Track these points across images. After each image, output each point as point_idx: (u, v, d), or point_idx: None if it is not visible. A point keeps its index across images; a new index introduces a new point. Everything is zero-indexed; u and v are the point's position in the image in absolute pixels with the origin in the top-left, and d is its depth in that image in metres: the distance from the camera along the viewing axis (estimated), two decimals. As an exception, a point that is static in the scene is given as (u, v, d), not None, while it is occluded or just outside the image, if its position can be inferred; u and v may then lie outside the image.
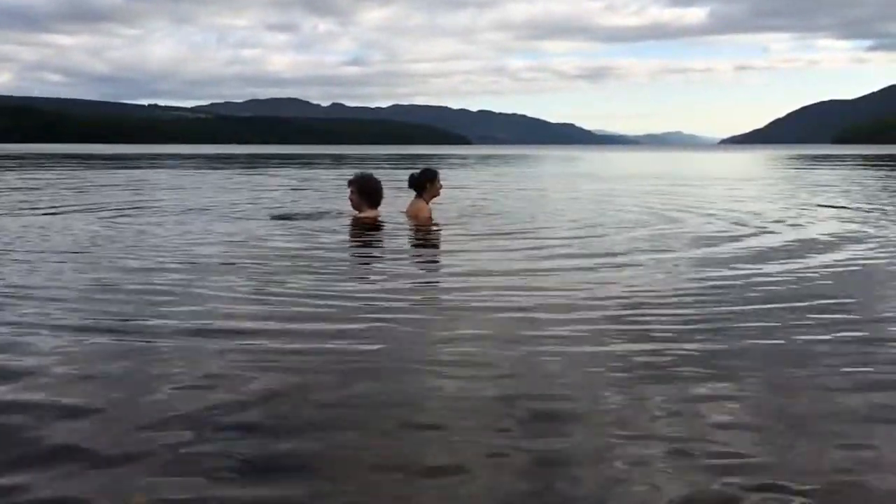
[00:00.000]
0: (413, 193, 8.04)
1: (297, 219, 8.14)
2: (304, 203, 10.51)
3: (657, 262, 5.30)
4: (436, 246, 6.62)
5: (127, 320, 3.54)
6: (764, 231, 7.23)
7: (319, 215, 8.43)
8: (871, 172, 23.42)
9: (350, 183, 7.87)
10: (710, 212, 9.20)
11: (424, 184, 7.94)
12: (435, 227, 7.52)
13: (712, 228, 7.43)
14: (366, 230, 7.30)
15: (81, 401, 2.49)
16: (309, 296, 4.09)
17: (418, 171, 8.15)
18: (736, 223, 7.89)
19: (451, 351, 3.08)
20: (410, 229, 7.35)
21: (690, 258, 5.50)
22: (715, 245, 6.17)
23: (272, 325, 3.48)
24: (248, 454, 2.08)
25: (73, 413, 2.38)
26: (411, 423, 2.32)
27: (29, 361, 2.89)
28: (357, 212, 7.82)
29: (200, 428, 2.26)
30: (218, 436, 2.20)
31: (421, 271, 5.22)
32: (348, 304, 3.93)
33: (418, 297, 4.16)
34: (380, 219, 7.71)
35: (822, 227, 7.69)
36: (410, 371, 2.84)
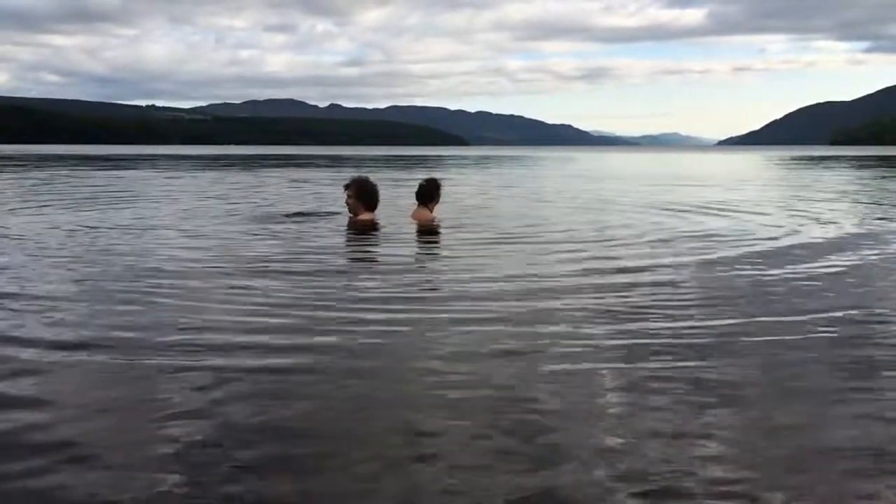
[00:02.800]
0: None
1: (288, 221, 7.95)
2: (298, 204, 10.29)
3: (661, 270, 5.11)
4: (436, 252, 6.41)
5: (117, 337, 3.33)
6: (776, 239, 7.04)
7: (315, 217, 8.26)
8: (873, 173, 23.27)
9: (346, 187, 7.73)
10: (719, 216, 8.99)
11: (435, 193, 7.88)
12: (436, 231, 7.34)
13: (721, 236, 7.22)
14: (363, 234, 7.11)
15: (66, 424, 2.29)
16: (303, 306, 3.88)
17: (425, 181, 8.03)
18: (747, 229, 7.71)
19: (447, 367, 2.88)
20: (410, 233, 7.16)
21: (697, 267, 5.30)
22: (725, 256, 5.96)
23: (266, 339, 3.27)
24: (242, 491, 1.89)
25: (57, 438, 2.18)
26: (406, 452, 2.12)
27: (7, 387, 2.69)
28: (353, 214, 7.67)
29: (193, 457, 2.05)
30: (211, 470, 2.00)
31: (420, 279, 5.01)
32: (347, 315, 3.73)
33: (417, 308, 3.95)
34: (377, 222, 7.54)
35: (844, 233, 7.50)
36: (405, 402, 2.64)
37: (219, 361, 2.91)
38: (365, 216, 7.60)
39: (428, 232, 7.33)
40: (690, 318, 3.67)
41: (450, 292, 4.32)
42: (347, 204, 7.70)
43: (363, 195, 7.62)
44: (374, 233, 7.10)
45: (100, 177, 19.32)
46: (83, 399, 2.51)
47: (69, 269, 4.95)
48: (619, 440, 2.19)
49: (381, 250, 6.25)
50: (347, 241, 6.87)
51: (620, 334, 3.34)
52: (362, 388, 2.65)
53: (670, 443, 2.16)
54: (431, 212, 7.88)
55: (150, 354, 3.00)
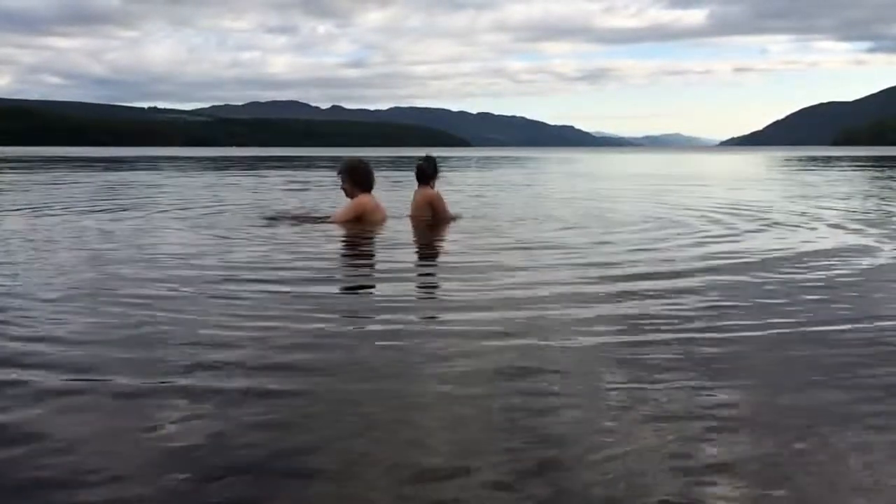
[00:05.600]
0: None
1: (285, 224, 7.66)
2: (294, 204, 9.97)
3: (674, 276, 4.78)
4: (443, 258, 6.09)
5: (105, 356, 3.02)
6: (801, 243, 6.72)
7: (305, 220, 7.98)
8: (885, 173, 22.94)
9: (339, 172, 7.66)
10: (737, 217, 8.66)
11: (434, 170, 7.80)
12: (440, 233, 7.05)
13: (741, 240, 6.90)
14: (364, 235, 6.80)
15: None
16: (304, 318, 3.57)
17: (423, 160, 7.92)
18: (768, 232, 7.38)
19: (453, 386, 2.56)
20: (415, 236, 6.87)
21: (717, 273, 4.97)
22: (749, 261, 5.64)
23: (265, 357, 2.96)
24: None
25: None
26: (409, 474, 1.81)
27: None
28: (350, 199, 7.55)
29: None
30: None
31: (426, 289, 4.70)
32: (350, 328, 3.43)
33: (419, 321, 3.64)
34: (374, 229, 7.21)
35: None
36: (410, 427, 2.33)
37: (216, 383, 2.60)
38: (364, 199, 7.46)
39: (432, 234, 7.04)
40: (710, 328, 3.35)
41: (457, 302, 4.01)
42: (343, 190, 7.60)
43: (357, 177, 7.54)
44: (376, 232, 6.82)
45: (98, 179, 19.04)
46: (68, 426, 2.20)
47: (48, 282, 4.64)
48: (627, 461, 1.89)
49: (384, 255, 5.93)
50: (349, 243, 6.56)
51: (636, 348, 3.02)
52: (365, 411, 2.34)
53: (677, 464, 1.86)
54: (433, 188, 7.83)
55: (140, 376, 2.68)
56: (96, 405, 2.41)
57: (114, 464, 1.98)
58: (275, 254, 5.64)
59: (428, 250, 6.46)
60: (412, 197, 7.96)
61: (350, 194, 7.55)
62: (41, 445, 2.09)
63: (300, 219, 8.05)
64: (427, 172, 7.78)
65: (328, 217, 7.72)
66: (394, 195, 8.49)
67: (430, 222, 7.66)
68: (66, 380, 2.63)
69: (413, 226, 7.57)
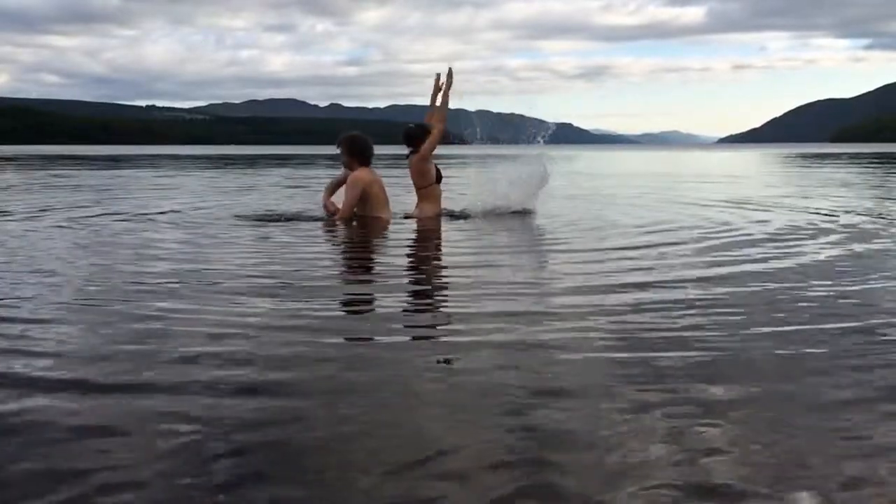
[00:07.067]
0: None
1: (277, 222, 7.48)
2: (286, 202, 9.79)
3: (680, 285, 4.61)
4: (448, 261, 5.92)
5: (91, 371, 2.85)
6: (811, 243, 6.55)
7: (304, 219, 7.81)
8: (885, 170, 22.81)
9: (339, 143, 7.70)
10: (752, 212, 8.49)
11: (424, 132, 7.74)
12: (455, 236, 6.88)
13: (756, 239, 6.72)
14: (362, 235, 6.64)
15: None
16: (300, 329, 3.40)
17: (413, 125, 7.96)
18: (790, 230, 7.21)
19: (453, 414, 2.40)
20: (417, 238, 6.70)
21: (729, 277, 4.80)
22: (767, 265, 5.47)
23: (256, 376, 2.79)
24: None
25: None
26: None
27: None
28: (349, 171, 7.56)
29: None
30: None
31: (429, 296, 4.53)
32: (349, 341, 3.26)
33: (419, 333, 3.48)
34: (377, 230, 7.02)
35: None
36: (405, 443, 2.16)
37: (212, 401, 2.43)
38: (360, 173, 7.43)
39: (435, 234, 6.87)
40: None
41: (461, 310, 3.84)
42: (343, 162, 7.68)
43: (356, 150, 7.57)
44: (379, 234, 6.66)
45: (96, 179, 18.86)
46: (60, 446, 2.03)
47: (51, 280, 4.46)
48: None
49: (385, 259, 5.76)
50: (348, 246, 6.39)
51: (650, 359, 2.85)
52: (364, 436, 2.17)
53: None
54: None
55: (134, 395, 2.52)
56: (90, 425, 2.24)
57: (105, 488, 1.81)
58: (272, 258, 5.45)
59: (430, 252, 6.30)
60: (409, 165, 7.86)
61: (349, 166, 7.60)
62: (38, 464, 1.93)
63: (299, 218, 7.89)
64: (412, 137, 7.73)
65: (334, 215, 7.48)
66: (393, 193, 8.29)
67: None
68: (54, 397, 2.47)
69: (418, 214, 7.63)
